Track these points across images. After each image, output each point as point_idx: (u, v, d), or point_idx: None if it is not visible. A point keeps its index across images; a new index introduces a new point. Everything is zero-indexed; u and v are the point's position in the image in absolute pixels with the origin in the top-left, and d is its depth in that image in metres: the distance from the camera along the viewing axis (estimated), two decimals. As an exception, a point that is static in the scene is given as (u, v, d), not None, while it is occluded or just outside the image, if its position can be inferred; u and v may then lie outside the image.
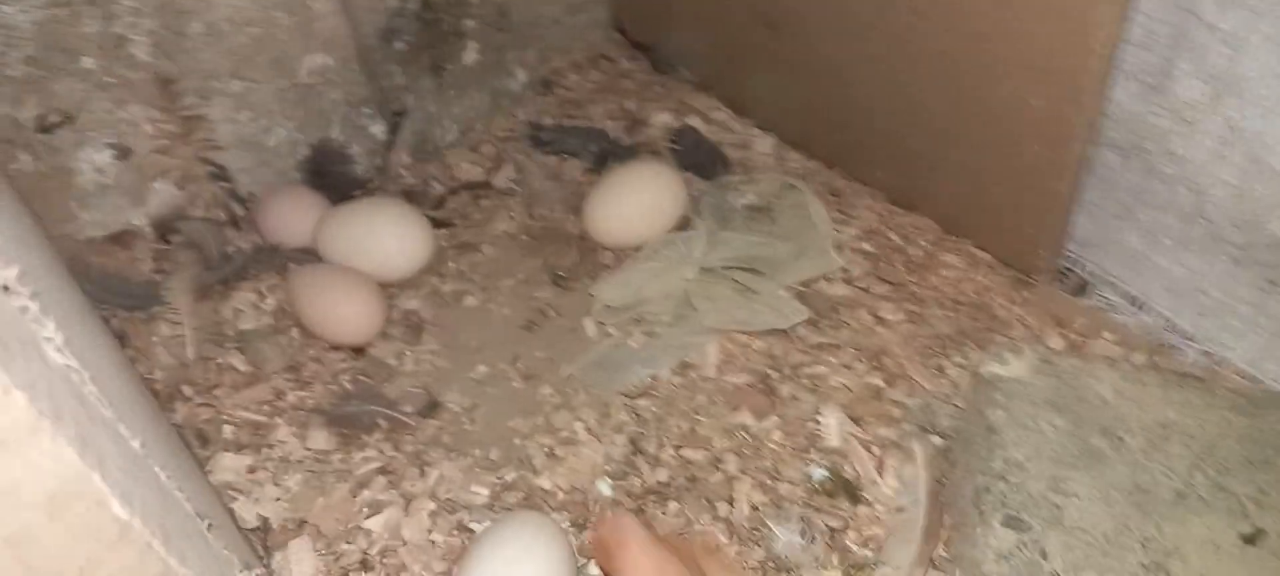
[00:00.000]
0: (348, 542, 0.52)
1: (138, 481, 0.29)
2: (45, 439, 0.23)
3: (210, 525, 0.35)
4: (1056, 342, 0.60)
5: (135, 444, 0.31)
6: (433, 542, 0.52)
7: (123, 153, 0.64)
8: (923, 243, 0.67)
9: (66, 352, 0.29)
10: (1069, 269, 0.67)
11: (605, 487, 0.54)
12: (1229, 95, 0.53)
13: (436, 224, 0.69)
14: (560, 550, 0.48)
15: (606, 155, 0.75)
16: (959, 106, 0.63)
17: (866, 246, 0.67)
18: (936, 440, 0.54)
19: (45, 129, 0.61)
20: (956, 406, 0.56)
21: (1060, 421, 0.47)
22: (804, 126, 0.75)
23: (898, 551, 0.49)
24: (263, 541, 0.52)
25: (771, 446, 0.55)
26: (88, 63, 0.60)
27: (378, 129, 0.73)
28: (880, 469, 0.53)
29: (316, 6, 0.66)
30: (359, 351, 0.62)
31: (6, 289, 0.26)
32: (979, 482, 0.46)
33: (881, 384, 0.58)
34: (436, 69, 0.74)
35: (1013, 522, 0.44)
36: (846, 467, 0.54)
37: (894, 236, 0.68)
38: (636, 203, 0.67)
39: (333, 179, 0.70)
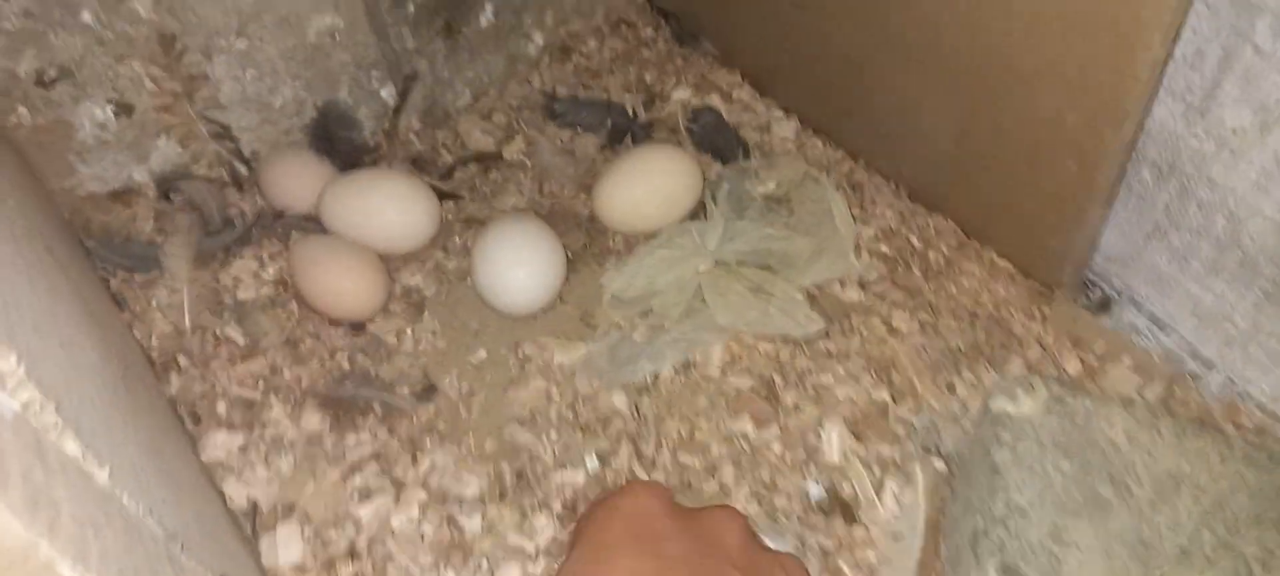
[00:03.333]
0: (336, 529, 0.51)
1: (98, 525, 0.28)
2: (-18, 513, 0.22)
3: (182, 545, 0.34)
4: (1073, 365, 0.58)
5: (102, 475, 0.30)
6: (422, 535, 0.51)
7: (124, 109, 0.63)
8: (943, 247, 0.65)
9: (28, 383, 0.28)
10: (1094, 283, 0.64)
11: (592, 463, 0.53)
12: (1279, 127, 0.50)
13: (443, 195, 0.67)
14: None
15: (622, 131, 0.73)
16: (988, 113, 0.60)
17: (884, 248, 0.65)
18: (940, 464, 0.53)
19: (44, 83, 0.59)
20: (964, 429, 0.55)
21: (1068, 466, 0.46)
22: (828, 113, 0.73)
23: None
24: (252, 524, 0.51)
25: (770, 458, 0.54)
26: (86, 17, 0.58)
27: (387, 93, 0.71)
28: (879, 490, 0.52)
29: (326, -36, 0.64)
30: (359, 328, 0.61)
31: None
32: (978, 525, 0.45)
33: (888, 399, 0.56)
34: (450, 31, 0.71)
35: (1008, 571, 0.42)
36: (845, 486, 0.52)
37: (914, 239, 0.66)
38: (650, 187, 0.65)
39: (339, 144, 0.68)
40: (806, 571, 0.39)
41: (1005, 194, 0.63)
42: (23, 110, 0.60)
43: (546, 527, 0.51)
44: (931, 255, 0.65)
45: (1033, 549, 0.43)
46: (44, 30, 0.58)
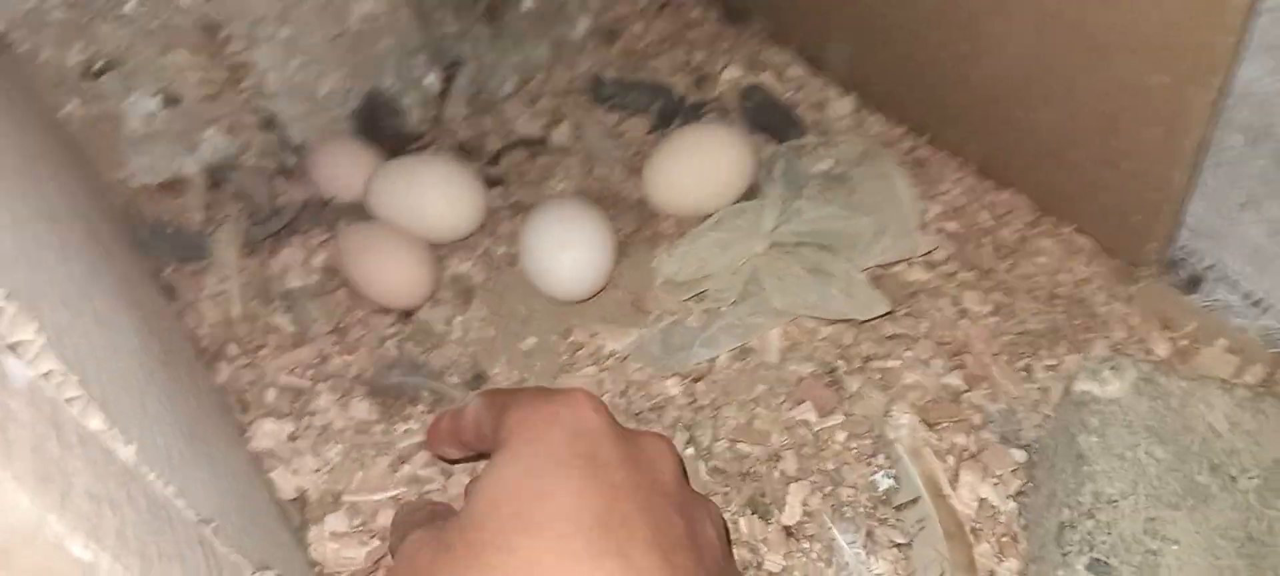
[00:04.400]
0: (385, 520, 0.50)
1: (117, 503, 0.26)
2: (-17, 483, 0.20)
3: (216, 527, 0.33)
4: (1162, 348, 0.54)
5: (128, 452, 0.29)
6: (470, 527, 0.50)
7: (171, 99, 0.62)
8: (1016, 224, 0.61)
9: (49, 354, 0.27)
10: (1181, 260, 0.60)
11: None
12: (1391, 79, 0.45)
13: (490, 182, 0.65)
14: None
15: (671, 113, 0.70)
16: (1065, 79, 0.56)
17: (952, 226, 0.61)
18: (1019, 454, 0.49)
19: (92, 75, 0.59)
20: (1044, 415, 0.51)
21: (1162, 453, 0.42)
22: (888, 87, 0.69)
23: (927, 562, 0.45)
24: (300, 513, 0.50)
25: (835, 447, 0.51)
26: (130, 7, 0.58)
27: (431, 79, 0.70)
28: (954, 481, 0.49)
29: (369, -52, 0.63)
30: (407, 315, 0.59)
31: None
32: (1064, 517, 0.41)
33: (960, 385, 0.53)
34: (493, 16, 0.70)
35: (1099, 568, 0.39)
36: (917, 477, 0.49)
37: (984, 216, 0.62)
38: (700, 167, 0.63)
39: (384, 131, 0.67)
40: (724, 522, 0.39)
41: (1083, 166, 0.59)
42: (74, 102, 0.60)
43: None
44: (1004, 232, 0.61)
45: (1125, 543, 0.39)
46: (89, 21, 0.57)
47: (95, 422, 0.28)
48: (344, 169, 0.64)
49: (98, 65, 0.59)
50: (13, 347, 0.26)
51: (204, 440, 0.40)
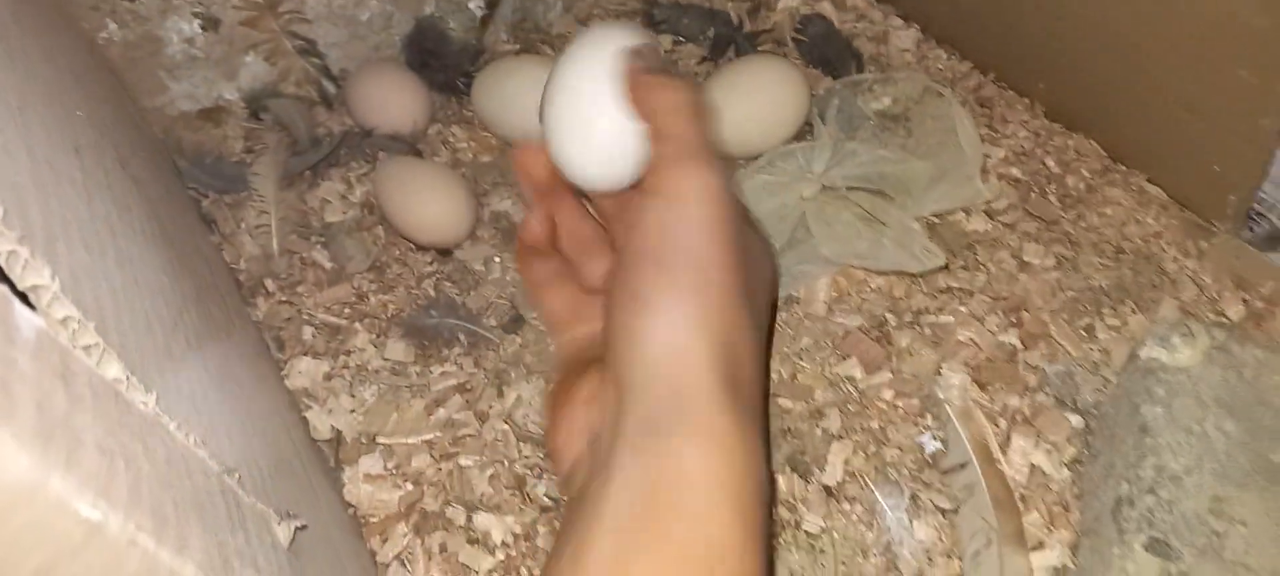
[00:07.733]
0: (418, 463, 0.49)
1: (132, 457, 0.25)
2: (-19, 442, 0.19)
3: (240, 477, 0.32)
4: (1236, 310, 0.51)
5: (147, 402, 0.28)
6: (505, 472, 0.49)
7: (211, 22, 0.61)
8: (1084, 171, 0.58)
9: (64, 300, 0.26)
10: (1260, 214, 0.56)
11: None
12: None
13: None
14: None
15: (725, 41, 0.67)
16: (1148, 16, 0.52)
17: (1016, 172, 0.58)
18: (1076, 420, 0.47)
19: (130, -3, 0.58)
20: (1105, 379, 0.48)
21: (1232, 428, 0.39)
22: (954, 20, 0.65)
23: (974, 530, 0.43)
24: (335, 454, 0.50)
25: (881, 406, 0.49)
26: (169, -74, 0.57)
27: (475, 3, 0.67)
28: (1005, 446, 0.47)
29: None
30: (446, 254, 0.58)
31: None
32: (1122, 491, 0.39)
33: (1017, 343, 0.50)
34: (542, -63, 0.67)
35: (1157, 548, 0.37)
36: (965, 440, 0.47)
37: (1050, 162, 0.58)
38: (751, 104, 0.60)
39: (427, 59, 0.65)
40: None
41: (1160, 109, 0.55)
42: (113, 25, 0.59)
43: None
44: (1070, 180, 0.58)
45: (1188, 523, 0.37)
46: (127, -59, 0.56)
47: (113, 371, 0.27)
48: (384, 97, 0.63)
49: (135, -13, 0.58)
50: (26, 294, 0.26)
51: (234, 381, 0.40)
